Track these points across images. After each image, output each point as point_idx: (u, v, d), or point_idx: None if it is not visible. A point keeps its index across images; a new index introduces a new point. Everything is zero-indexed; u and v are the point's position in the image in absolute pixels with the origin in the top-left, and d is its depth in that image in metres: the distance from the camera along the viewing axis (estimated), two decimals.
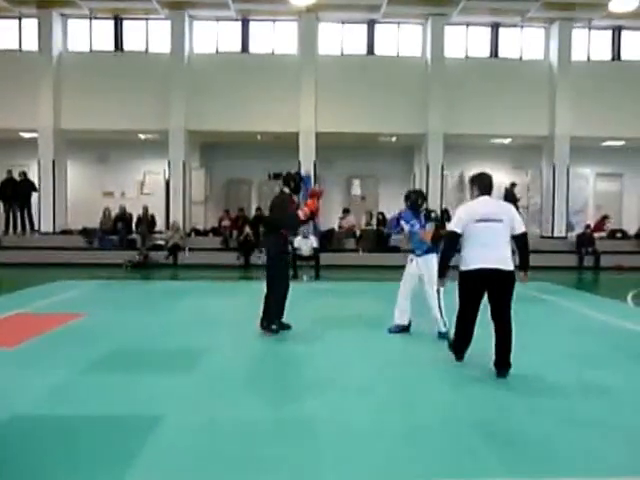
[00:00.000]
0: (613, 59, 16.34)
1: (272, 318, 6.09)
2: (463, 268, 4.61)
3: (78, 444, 3.31)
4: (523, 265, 4.71)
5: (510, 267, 4.50)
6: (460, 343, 4.87)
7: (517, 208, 15.76)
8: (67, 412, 3.82)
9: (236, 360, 5.19)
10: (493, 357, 4.63)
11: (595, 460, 3.16)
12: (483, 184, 4.72)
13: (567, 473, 3.01)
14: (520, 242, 4.62)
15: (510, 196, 14.62)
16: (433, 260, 5.81)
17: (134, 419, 3.69)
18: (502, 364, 4.55)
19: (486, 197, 4.67)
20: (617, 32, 16.30)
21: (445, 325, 5.82)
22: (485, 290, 4.56)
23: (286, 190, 6.20)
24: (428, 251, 5.99)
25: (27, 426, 3.57)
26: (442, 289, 5.60)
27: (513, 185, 15.59)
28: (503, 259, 4.49)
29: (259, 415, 3.77)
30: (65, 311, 7.45)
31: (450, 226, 4.70)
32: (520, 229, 4.59)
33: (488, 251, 4.47)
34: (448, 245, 4.75)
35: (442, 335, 5.81)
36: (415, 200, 6.19)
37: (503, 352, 4.54)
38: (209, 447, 3.27)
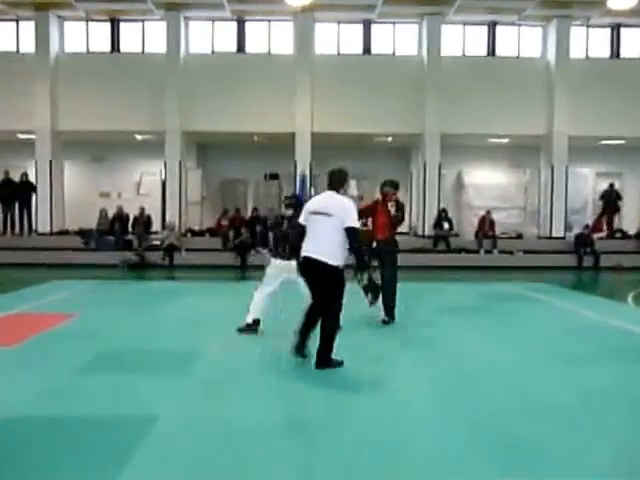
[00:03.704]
0: (612, 57, 16.20)
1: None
2: None
3: (70, 445, 3.27)
4: (356, 263, 4.91)
5: (330, 261, 4.58)
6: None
7: (618, 208, 16.04)
8: (58, 413, 3.77)
9: (231, 361, 5.12)
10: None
11: (588, 460, 3.13)
12: (330, 179, 4.91)
13: (563, 473, 2.98)
14: (349, 236, 4.64)
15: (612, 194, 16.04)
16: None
17: (127, 420, 3.64)
18: (317, 358, 4.73)
19: (329, 192, 4.85)
20: (616, 30, 16.15)
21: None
22: (313, 280, 4.77)
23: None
24: None
25: (18, 428, 3.52)
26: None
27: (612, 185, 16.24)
28: (323, 252, 4.61)
29: (254, 417, 3.71)
30: (58, 311, 7.41)
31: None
32: (348, 223, 4.61)
33: (312, 242, 4.69)
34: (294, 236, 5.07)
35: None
36: None
37: (318, 348, 4.72)
38: (203, 449, 3.22)
